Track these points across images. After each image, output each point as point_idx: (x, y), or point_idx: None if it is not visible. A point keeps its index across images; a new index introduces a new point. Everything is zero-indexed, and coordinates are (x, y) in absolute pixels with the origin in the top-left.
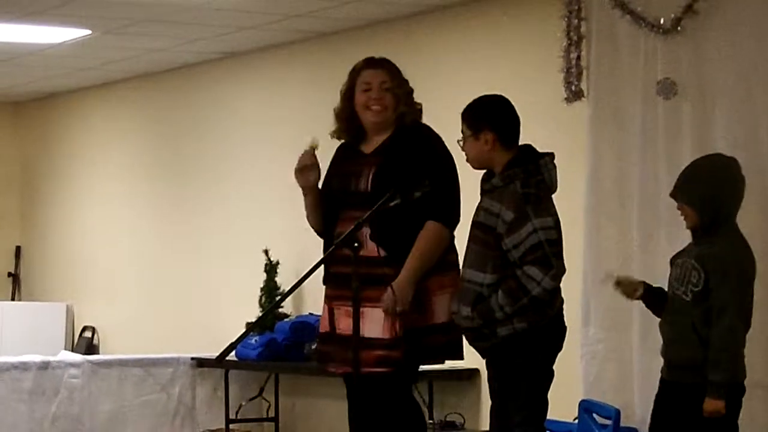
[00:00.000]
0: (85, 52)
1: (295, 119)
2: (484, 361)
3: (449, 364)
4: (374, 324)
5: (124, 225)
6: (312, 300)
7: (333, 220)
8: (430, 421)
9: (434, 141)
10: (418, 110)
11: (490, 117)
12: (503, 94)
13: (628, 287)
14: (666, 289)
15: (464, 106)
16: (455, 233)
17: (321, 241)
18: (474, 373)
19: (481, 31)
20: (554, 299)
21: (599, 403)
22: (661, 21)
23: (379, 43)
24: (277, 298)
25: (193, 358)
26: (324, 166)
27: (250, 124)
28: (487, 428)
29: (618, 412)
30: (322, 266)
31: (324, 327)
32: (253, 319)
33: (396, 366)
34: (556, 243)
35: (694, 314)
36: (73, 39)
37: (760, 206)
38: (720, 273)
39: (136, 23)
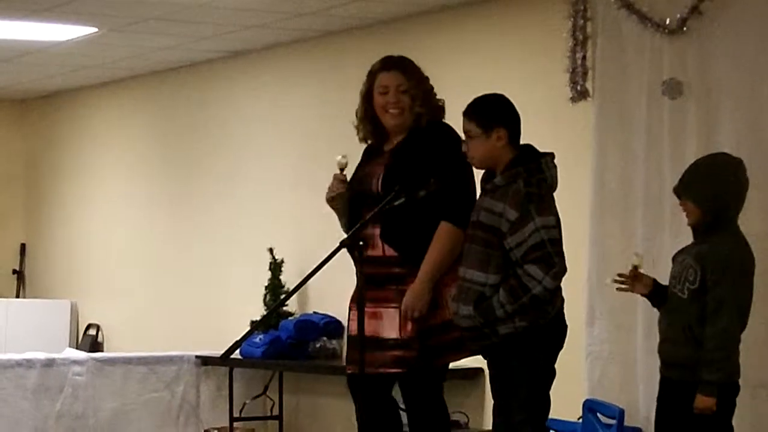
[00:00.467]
0: (91, 49)
1: (301, 118)
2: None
3: (452, 364)
4: (389, 324)
5: (128, 223)
6: (316, 299)
7: (356, 221)
8: None
9: (448, 140)
10: (438, 108)
11: (502, 114)
12: (508, 94)
13: (632, 283)
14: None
15: (465, 105)
16: None
17: (326, 240)
18: (478, 372)
19: (486, 31)
20: (555, 298)
21: (603, 403)
22: (667, 21)
23: (384, 42)
24: (282, 296)
25: (197, 357)
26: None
27: (256, 123)
28: (491, 427)
29: (622, 412)
30: (333, 264)
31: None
32: (258, 318)
33: (413, 366)
34: (558, 242)
35: (690, 312)
36: (79, 37)
37: (764, 206)
38: (717, 272)
39: (142, 21)
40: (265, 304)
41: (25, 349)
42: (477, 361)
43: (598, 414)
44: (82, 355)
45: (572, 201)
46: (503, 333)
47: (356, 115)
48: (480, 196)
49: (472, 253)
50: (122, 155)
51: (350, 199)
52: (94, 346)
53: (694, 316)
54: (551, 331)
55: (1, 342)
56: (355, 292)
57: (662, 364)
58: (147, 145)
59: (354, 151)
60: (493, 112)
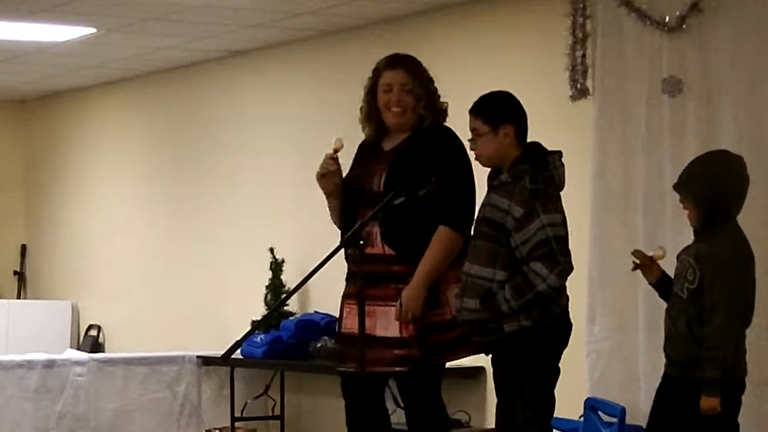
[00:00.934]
0: (91, 50)
1: (301, 117)
2: (489, 359)
3: (453, 363)
4: (387, 323)
5: (129, 223)
6: (317, 298)
7: (353, 219)
8: None
9: (450, 143)
10: (441, 110)
11: (509, 112)
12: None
13: (648, 269)
14: None
15: (466, 104)
16: None
17: (327, 239)
18: (479, 371)
19: (486, 30)
20: (560, 297)
21: (605, 401)
22: (667, 19)
23: (384, 41)
24: (283, 296)
25: (198, 357)
26: (346, 163)
27: (256, 122)
28: (493, 426)
29: (623, 410)
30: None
31: (338, 326)
32: (259, 317)
33: (414, 364)
34: (564, 240)
35: (689, 311)
36: (79, 37)
37: (765, 204)
38: (714, 271)
39: (141, 21)
40: (266, 303)
41: (26, 350)
42: (478, 360)
43: (600, 412)
44: (83, 355)
45: (573, 199)
46: (508, 330)
47: (360, 111)
48: (487, 192)
49: (477, 249)
50: (122, 155)
51: (347, 196)
52: (95, 346)
53: (693, 315)
54: (556, 329)
55: (2, 343)
56: (347, 289)
57: (666, 362)
58: (147, 145)
59: (352, 147)
60: (501, 110)
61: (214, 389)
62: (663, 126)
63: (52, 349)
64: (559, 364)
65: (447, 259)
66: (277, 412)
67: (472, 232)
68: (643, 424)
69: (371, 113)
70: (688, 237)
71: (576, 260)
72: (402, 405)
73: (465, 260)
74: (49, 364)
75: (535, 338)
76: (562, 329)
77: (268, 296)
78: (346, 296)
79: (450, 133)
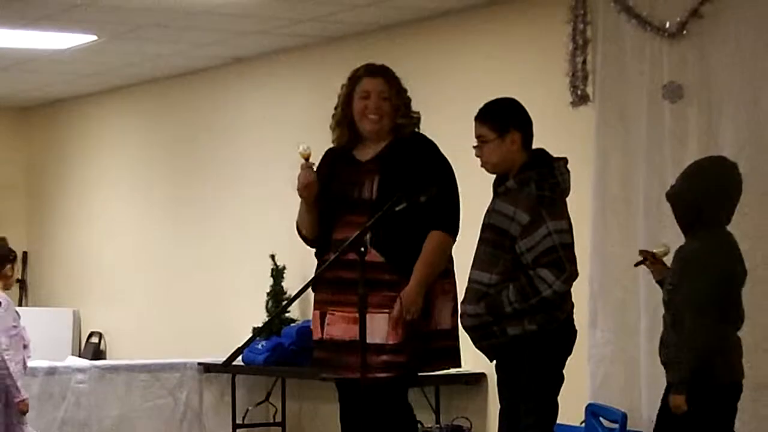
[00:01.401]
0: (92, 57)
1: (302, 124)
2: (491, 365)
3: (454, 369)
4: (376, 329)
5: (130, 230)
6: None
7: (329, 226)
8: (438, 426)
9: (435, 149)
10: (416, 119)
11: (516, 118)
12: None
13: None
14: None
15: (467, 110)
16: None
17: None
18: (481, 377)
19: (487, 36)
20: (564, 303)
21: (606, 407)
22: (667, 25)
23: (385, 47)
24: (284, 302)
25: (200, 363)
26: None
27: (257, 129)
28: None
29: (625, 416)
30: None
31: (316, 334)
32: (260, 324)
33: (401, 370)
34: (570, 247)
35: (670, 314)
36: (80, 45)
37: (764, 209)
38: (683, 272)
39: (142, 29)
40: (267, 310)
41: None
42: (480, 366)
43: (601, 418)
44: (84, 363)
45: (574, 204)
46: (512, 334)
47: (333, 118)
48: (492, 199)
49: (481, 255)
50: (123, 163)
51: (324, 204)
52: (97, 353)
53: (672, 316)
54: (561, 335)
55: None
56: (325, 296)
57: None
58: (148, 152)
59: None
60: (508, 116)
61: (215, 396)
62: (663, 132)
63: (54, 357)
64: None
65: (442, 262)
66: (279, 418)
67: (477, 239)
68: (645, 429)
69: (343, 120)
70: None
71: (578, 265)
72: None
73: (471, 267)
74: (51, 372)
75: (540, 344)
76: (567, 335)
77: (269, 303)
78: (328, 303)
79: (431, 141)
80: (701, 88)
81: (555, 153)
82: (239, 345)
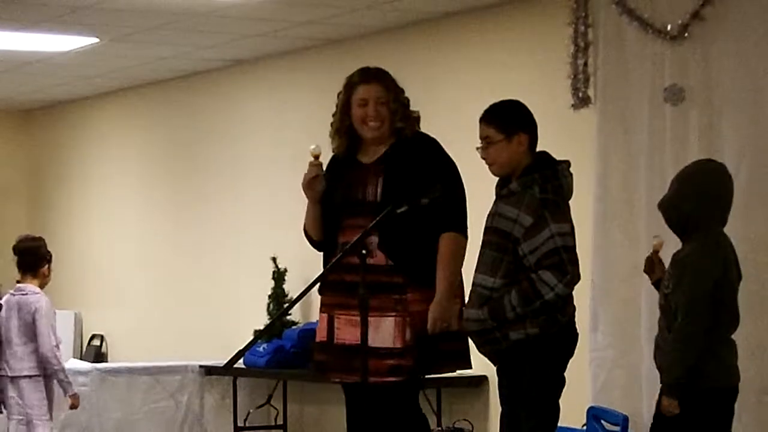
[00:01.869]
0: (94, 59)
1: (304, 126)
2: (492, 368)
3: (457, 372)
4: (382, 333)
5: (132, 233)
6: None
7: (335, 230)
8: (439, 428)
9: (438, 148)
10: (415, 120)
11: (523, 120)
12: None
13: (650, 265)
14: None
15: (468, 113)
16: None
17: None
18: (482, 380)
19: (488, 39)
20: (567, 306)
21: (607, 410)
22: (669, 27)
23: (385, 51)
24: (285, 305)
25: (201, 366)
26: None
27: (259, 132)
28: None
29: (626, 419)
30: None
31: (321, 336)
32: (261, 327)
33: (408, 374)
34: (572, 249)
35: (666, 318)
36: (81, 47)
37: (766, 212)
38: (677, 277)
39: (143, 31)
40: (269, 313)
41: None
42: (481, 369)
43: (602, 421)
44: (86, 365)
45: (575, 207)
46: (514, 339)
47: (331, 126)
48: (494, 202)
49: (484, 258)
50: (125, 165)
51: (328, 207)
52: (98, 356)
53: (668, 320)
54: (562, 339)
55: None
56: (329, 298)
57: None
58: (149, 154)
59: None
60: (515, 118)
61: (216, 399)
62: (665, 134)
63: None
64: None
65: (459, 262)
66: (280, 421)
67: (481, 243)
68: None
69: (342, 127)
70: None
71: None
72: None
73: (475, 271)
74: None
75: (541, 347)
76: (569, 338)
77: (271, 306)
78: (335, 306)
79: (435, 140)
80: (703, 90)
81: (557, 155)
82: (240, 348)
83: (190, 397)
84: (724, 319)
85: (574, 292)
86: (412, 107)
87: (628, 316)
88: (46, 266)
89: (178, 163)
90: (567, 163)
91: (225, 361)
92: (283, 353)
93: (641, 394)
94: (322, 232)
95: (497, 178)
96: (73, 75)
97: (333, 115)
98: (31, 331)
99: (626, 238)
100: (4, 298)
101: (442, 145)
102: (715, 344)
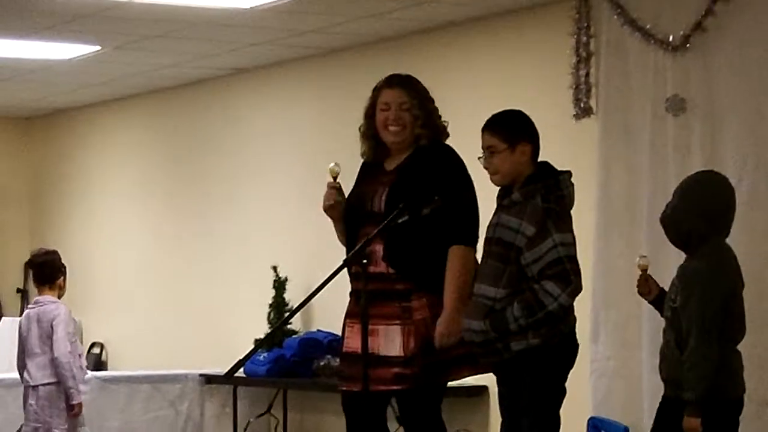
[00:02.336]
0: (95, 68)
1: (306, 135)
2: (493, 378)
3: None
4: (389, 341)
5: (133, 241)
6: (321, 316)
7: (353, 238)
8: None
9: (451, 160)
10: (440, 129)
11: (527, 130)
12: None
13: (644, 284)
14: None
15: (469, 123)
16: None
17: (330, 257)
18: (483, 389)
19: (489, 48)
20: (568, 316)
21: (608, 421)
22: (671, 38)
23: (386, 59)
24: (286, 314)
25: (201, 375)
26: (348, 184)
27: (260, 140)
28: None
29: (627, 430)
30: (337, 282)
31: (341, 346)
32: (262, 336)
33: (413, 383)
34: (575, 259)
35: (674, 331)
36: (83, 55)
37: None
38: (687, 291)
39: (146, 39)
40: (269, 322)
41: None
42: (482, 379)
43: None
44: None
45: (577, 217)
46: (516, 349)
47: (359, 131)
48: (495, 212)
49: (486, 269)
50: (126, 173)
51: (346, 215)
52: (98, 364)
53: (676, 335)
54: (564, 349)
55: (5, 361)
56: (350, 308)
57: (663, 382)
58: (151, 162)
59: (356, 166)
60: (518, 127)
61: (216, 407)
62: (667, 145)
63: None
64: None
65: (469, 277)
66: (280, 430)
67: (481, 253)
68: None
69: (368, 132)
70: None
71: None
72: (402, 424)
73: (474, 281)
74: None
75: (543, 358)
76: (570, 349)
77: (272, 314)
78: (348, 315)
79: (450, 150)
80: (704, 101)
81: (558, 165)
82: (241, 356)
83: (191, 405)
84: (732, 331)
85: (575, 303)
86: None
87: (629, 326)
88: (62, 278)
89: (179, 171)
90: (569, 174)
91: (225, 370)
92: (283, 362)
93: (642, 404)
94: (348, 242)
95: (498, 188)
96: (75, 83)
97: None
98: (50, 340)
99: (628, 248)
100: (25, 312)
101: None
102: (727, 358)
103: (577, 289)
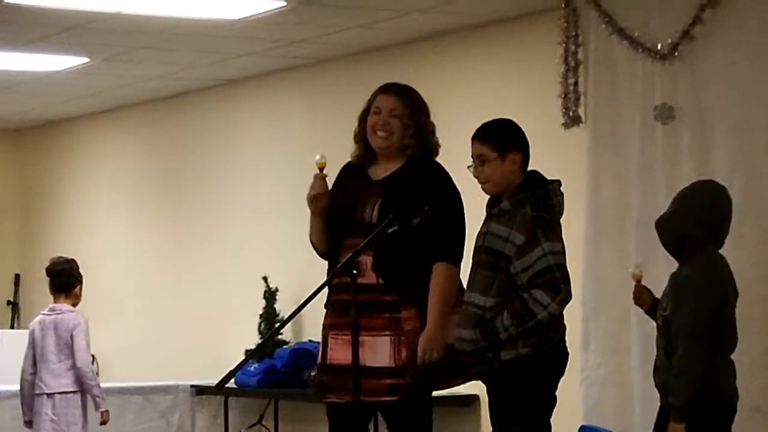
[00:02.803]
0: (84, 79)
1: (295, 145)
2: (483, 387)
3: (446, 390)
4: (378, 353)
5: (123, 252)
6: (311, 327)
7: (337, 248)
8: None
9: (443, 177)
10: (430, 144)
11: (517, 139)
12: None
13: (639, 296)
14: None
15: (459, 132)
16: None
17: (320, 268)
18: (473, 398)
19: (478, 58)
20: (558, 325)
21: (599, 429)
22: (659, 46)
23: (378, 69)
24: (277, 325)
25: (192, 386)
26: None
27: (250, 151)
28: None
29: None
30: (326, 292)
31: (320, 357)
32: (253, 346)
33: (406, 393)
34: (565, 268)
35: (665, 338)
36: (72, 67)
37: (758, 230)
38: (678, 298)
39: (134, 51)
40: (260, 332)
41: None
42: (473, 388)
43: None
44: None
45: (566, 226)
46: (506, 359)
47: (354, 133)
48: (485, 220)
49: (477, 278)
50: (116, 184)
51: (330, 223)
52: None
53: (667, 341)
54: (554, 358)
55: None
56: (332, 320)
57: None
58: (141, 173)
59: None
60: (509, 136)
61: (208, 418)
62: (656, 153)
63: None
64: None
65: (453, 294)
66: None
67: (471, 262)
68: None
69: (360, 136)
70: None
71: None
72: None
73: (466, 290)
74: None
75: (533, 366)
76: (560, 357)
77: (262, 325)
78: (330, 327)
79: (441, 167)
80: (693, 109)
81: (548, 174)
82: (232, 367)
83: (182, 417)
84: (724, 340)
85: (565, 311)
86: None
87: (620, 334)
88: (78, 287)
89: (169, 182)
90: (558, 182)
91: (216, 381)
92: (274, 373)
93: (633, 412)
94: (328, 242)
95: (487, 197)
96: (64, 94)
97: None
98: (68, 348)
99: (617, 256)
100: (38, 318)
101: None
102: (716, 364)
103: (567, 297)
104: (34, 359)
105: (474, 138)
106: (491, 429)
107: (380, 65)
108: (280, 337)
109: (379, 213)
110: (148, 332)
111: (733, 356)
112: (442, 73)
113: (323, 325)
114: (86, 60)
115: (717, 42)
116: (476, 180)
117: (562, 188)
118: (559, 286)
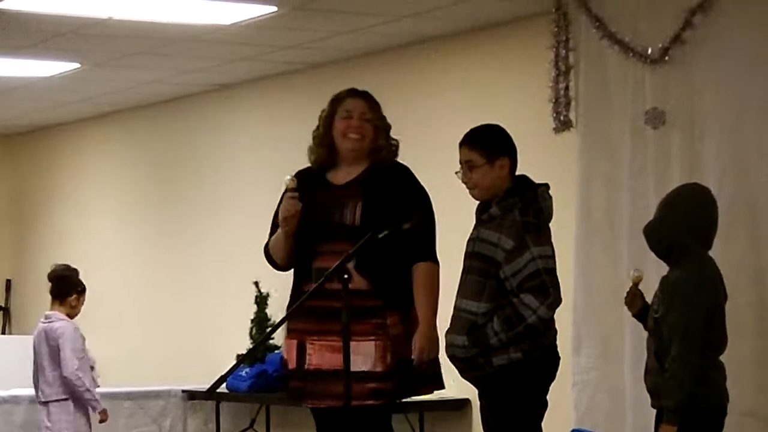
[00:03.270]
0: (76, 85)
1: (288, 150)
2: (475, 391)
3: (438, 395)
4: (363, 357)
5: (115, 258)
6: None
7: (309, 255)
8: None
9: (414, 179)
10: (395, 146)
11: (505, 144)
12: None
13: (632, 299)
14: None
15: (449, 137)
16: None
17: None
18: (465, 403)
19: (470, 62)
20: (548, 329)
21: None
22: (649, 51)
23: (370, 74)
24: (268, 329)
25: (184, 391)
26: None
27: (242, 156)
28: None
29: None
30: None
31: (292, 363)
32: (244, 351)
33: (389, 397)
34: (554, 272)
35: (655, 342)
36: (64, 72)
37: (747, 235)
38: (669, 301)
39: (126, 56)
40: (252, 337)
41: (11, 386)
42: (464, 392)
43: None
44: None
45: (557, 230)
46: (498, 364)
47: (313, 140)
48: (474, 226)
49: (467, 284)
50: (108, 190)
51: (303, 229)
52: None
53: (657, 345)
54: (545, 362)
55: None
56: (310, 325)
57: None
58: (133, 179)
59: None
60: (497, 142)
61: (199, 423)
62: (646, 157)
63: None
64: (546, 397)
65: (437, 290)
66: None
67: (462, 268)
68: None
69: (324, 141)
70: None
71: (561, 291)
72: None
73: (456, 296)
74: (35, 400)
75: (524, 371)
76: (551, 362)
77: (254, 330)
78: (307, 332)
79: (410, 170)
80: (684, 113)
81: (538, 179)
82: (223, 372)
83: (173, 421)
84: (714, 342)
85: (557, 315)
86: (394, 130)
87: (611, 338)
88: (75, 296)
89: (161, 188)
90: (546, 186)
91: (208, 386)
92: (265, 377)
93: (625, 417)
94: (288, 257)
95: (476, 202)
96: (56, 100)
97: (315, 129)
98: (57, 357)
99: (608, 260)
100: (37, 327)
101: (421, 169)
102: (707, 366)
103: (556, 301)
104: (37, 368)
105: (462, 144)
106: None
107: (372, 70)
108: (271, 341)
109: (363, 215)
110: (139, 337)
111: (723, 360)
112: (433, 77)
113: (293, 330)
114: (78, 65)
115: (707, 46)
116: (464, 185)
117: (550, 192)
118: (547, 290)
